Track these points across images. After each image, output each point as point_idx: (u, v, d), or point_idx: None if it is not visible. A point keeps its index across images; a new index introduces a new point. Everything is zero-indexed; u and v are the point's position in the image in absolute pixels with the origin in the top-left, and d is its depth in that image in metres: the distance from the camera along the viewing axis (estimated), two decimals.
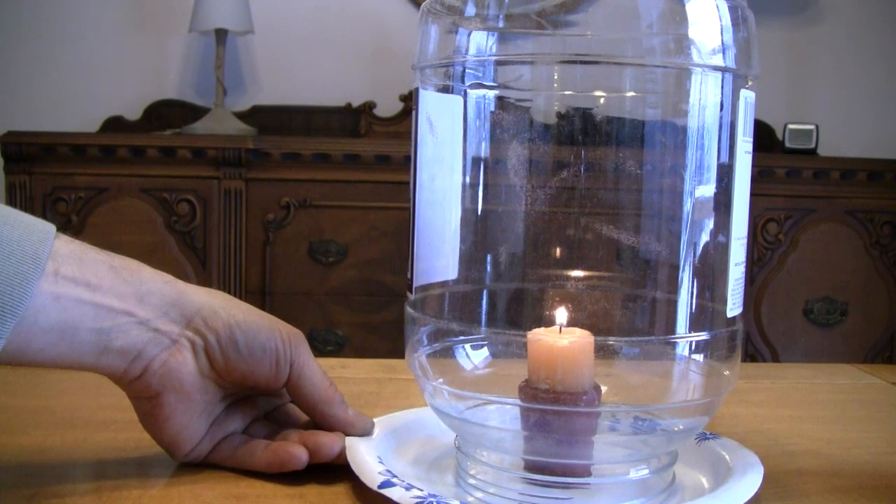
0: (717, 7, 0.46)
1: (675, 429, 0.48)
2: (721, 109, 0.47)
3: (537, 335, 0.46)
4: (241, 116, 2.20)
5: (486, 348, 0.51)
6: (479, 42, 0.48)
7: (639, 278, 0.49)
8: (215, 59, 2.13)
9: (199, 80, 2.30)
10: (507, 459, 0.47)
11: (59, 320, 0.42)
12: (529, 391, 0.45)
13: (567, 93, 0.49)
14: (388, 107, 2.27)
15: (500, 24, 0.47)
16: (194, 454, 0.49)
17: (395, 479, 0.44)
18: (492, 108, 0.51)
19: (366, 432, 0.50)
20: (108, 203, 1.91)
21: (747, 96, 0.47)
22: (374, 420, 0.51)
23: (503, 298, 0.53)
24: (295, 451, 0.47)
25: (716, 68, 0.46)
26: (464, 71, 0.50)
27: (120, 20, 2.28)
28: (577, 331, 0.47)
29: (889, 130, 2.39)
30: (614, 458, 0.47)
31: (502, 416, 0.48)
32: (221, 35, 2.11)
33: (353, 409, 0.51)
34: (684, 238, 0.47)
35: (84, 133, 2.10)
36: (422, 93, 0.49)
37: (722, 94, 0.46)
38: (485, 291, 0.52)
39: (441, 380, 0.50)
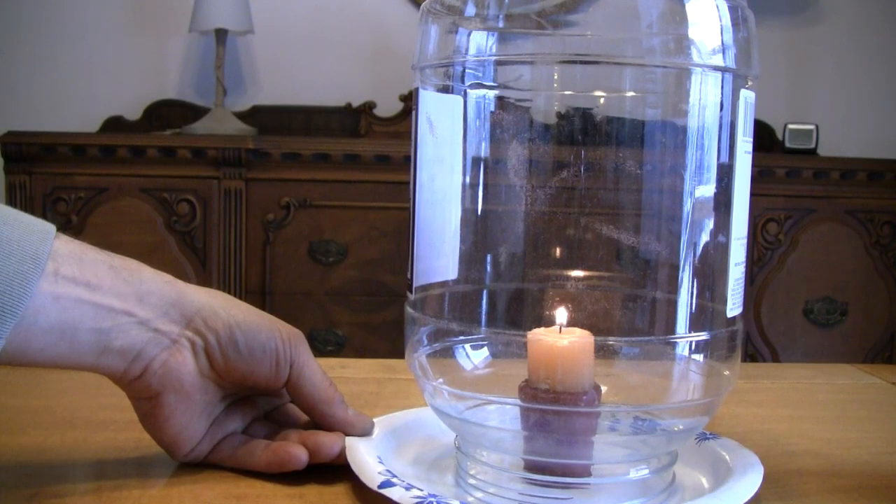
0: (717, 7, 0.46)
1: (675, 429, 0.48)
2: (721, 109, 0.47)
3: (537, 335, 0.46)
4: (241, 116, 2.20)
5: (486, 348, 0.51)
6: (479, 42, 0.48)
7: (639, 278, 0.49)
8: (215, 59, 2.13)
9: (199, 80, 2.30)
10: (507, 459, 0.47)
11: (59, 320, 0.42)
12: (529, 391, 0.45)
13: (567, 93, 0.49)
14: (388, 107, 2.27)
15: (500, 24, 0.47)
16: (194, 454, 0.49)
17: (395, 479, 0.44)
18: (492, 108, 0.51)
19: (366, 432, 0.50)
20: (108, 203, 1.91)
21: (747, 96, 0.47)
22: (374, 420, 0.51)
23: (503, 298, 0.53)
24: (295, 451, 0.47)
25: (716, 68, 0.46)
26: (464, 71, 0.50)
27: (120, 20, 2.28)
28: (577, 331, 0.47)
29: (889, 130, 2.39)
30: (614, 458, 0.47)
31: (502, 416, 0.48)
32: (221, 35, 2.11)
33: (353, 409, 0.51)
34: (684, 238, 0.47)
35: (84, 133, 2.10)
36: (422, 93, 0.49)
37: (722, 94, 0.46)
38: (485, 291, 0.52)
39: (441, 380, 0.50)
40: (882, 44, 2.39)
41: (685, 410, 0.48)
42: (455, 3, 0.49)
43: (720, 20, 0.46)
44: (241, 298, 0.50)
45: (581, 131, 0.49)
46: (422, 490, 0.42)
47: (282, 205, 1.93)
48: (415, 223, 0.48)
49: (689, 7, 0.45)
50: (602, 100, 0.49)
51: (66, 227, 1.86)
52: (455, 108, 0.50)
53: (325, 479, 0.48)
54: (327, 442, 0.48)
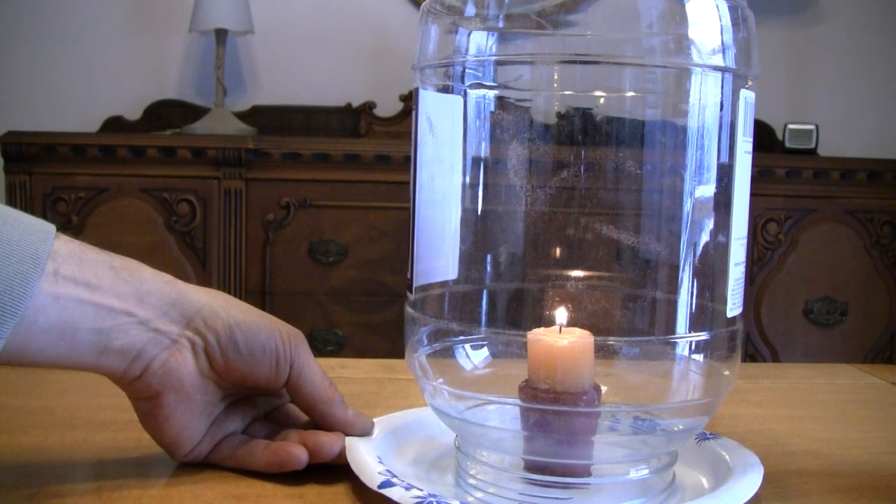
0: (717, 7, 0.46)
1: (675, 429, 0.48)
2: (721, 109, 0.47)
3: (537, 335, 0.46)
4: (241, 116, 2.20)
5: (486, 348, 0.51)
6: (479, 42, 0.48)
7: (639, 278, 0.49)
8: (215, 59, 2.13)
9: (199, 80, 2.30)
10: (507, 459, 0.47)
11: (59, 320, 0.42)
12: (529, 391, 0.45)
13: (567, 93, 0.49)
14: (388, 107, 2.27)
15: (500, 24, 0.47)
16: (194, 454, 0.48)
17: (394, 479, 0.44)
18: (492, 108, 0.51)
19: (366, 432, 0.50)
20: (108, 203, 1.91)
21: (747, 96, 0.47)
22: (374, 420, 0.51)
23: (503, 298, 0.53)
24: (295, 451, 0.47)
25: (716, 68, 0.46)
26: (464, 71, 0.50)
27: (120, 20, 2.28)
28: (577, 331, 0.47)
29: (889, 130, 2.39)
30: (614, 458, 0.47)
31: (502, 416, 0.48)
32: (221, 35, 2.11)
33: (353, 409, 0.51)
34: (684, 238, 0.47)
35: (84, 133, 2.10)
36: (422, 93, 0.49)
37: (722, 94, 0.46)
38: (485, 291, 0.52)
39: (441, 380, 0.50)
40: (882, 44, 2.39)
41: (685, 410, 0.48)
42: (455, 3, 0.49)
43: (720, 20, 0.46)
44: (241, 298, 0.50)
45: (581, 131, 0.49)
46: (422, 490, 0.42)
47: (282, 205, 1.93)
48: (415, 223, 0.48)
49: (689, 7, 0.45)
50: (602, 100, 0.49)
51: (66, 227, 1.86)
52: (455, 108, 0.50)
53: (325, 479, 0.48)
54: (327, 442, 0.48)
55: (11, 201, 1.87)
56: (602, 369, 0.46)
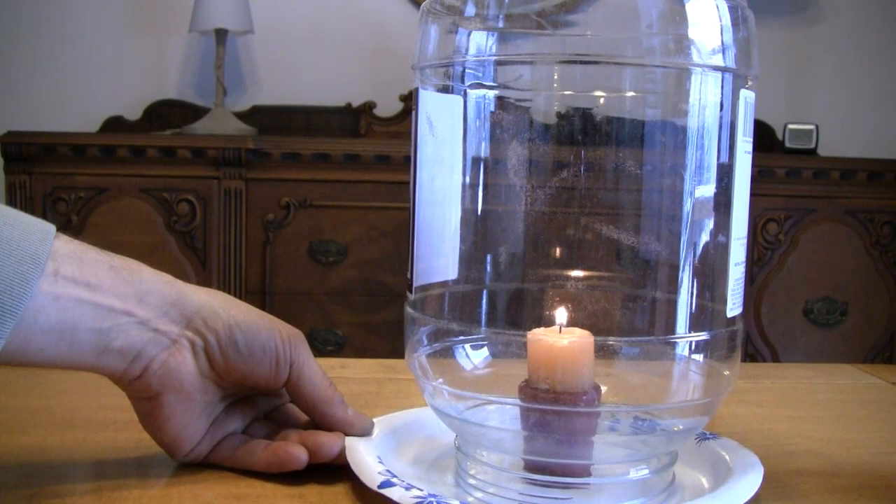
0: (717, 7, 0.46)
1: (675, 429, 0.48)
2: (721, 109, 0.47)
3: (537, 335, 0.46)
4: (241, 116, 2.20)
5: (486, 348, 0.51)
6: (479, 42, 0.48)
7: (639, 278, 0.49)
8: (215, 59, 2.13)
9: (199, 80, 2.30)
10: (507, 459, 0.47)
11: (59, 320, 0.42)
12: (529, 391, 0.45)
13: (567, 93, 0.49)
14: (388, 107, 2.27)
15: (500, 24, 0.47)
16: (194, 454, 0.48)
17: (394, 479, 0.44)
18: (492, 108, 0.51)
19: (365, 432, 0.50)
20: (108, 203, 1.91)
21: (747, 96, 0.47)
22: (374, 420, 0.51)
23: (503, 298, 0.53)
24: (295, 451, 0.47)
25: (716, 68, 0.46)
26: (464, 71, 0.50)
27: (120, 20, 2.28)
28: (577, 331, 0.47)
29: (889, 130, 2.39)
30: (614, 458, 0.47)
31: (502, 416, 0.48)
32: (221, 35, 2.11)
33: (353, 409, 0.51)
34: (684, 238, 0.47)
35: (84, 133, 2.10)
36: (422, 93, 0.49)
37: (722, 94, 0.46)
38: (485, 291, 0.52)
39: (441, 380, 0.50)
40: (882, 44, 2.39)
41: (685, 410, 0.48)
42: (455, 3, 0.49)
43: (720, 20, 0.46)
44: (241, 298, 0.50)
45: (581, 131, 0.49)
46: (422, 490, 0.42)
47: (282, 205, 1.93)
48: (415, 223, 0.48)
49: (689, 7, 0.45)
50: (602, 100, 0.49)
51: (66, 227, 1.86)
52: (455, 108, 0.50)
53: (325, 479, 0.48)
54: (327, 442, 0.48)
55: (11, 201, 1.87)
56: (602, 369, 0.46)
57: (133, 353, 0.45)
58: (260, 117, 2.25)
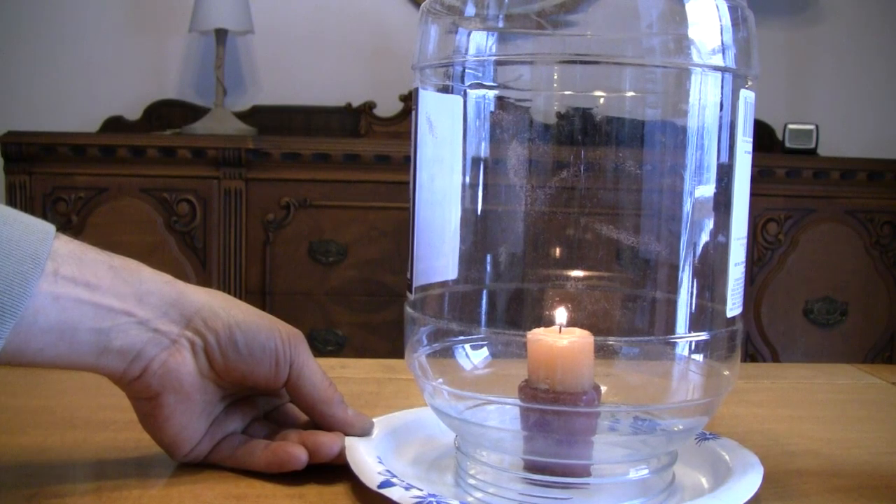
0: (717, 7, 0.46)
1: (675, 429, 0.48)
2: (721, 109, 0.47)
3: (537, 335, 0.46)
4: (241, 116, 2.20)
5: (485, 348, 0.51)
6: (479, 42, 0.48)
7: (639, 278, 0.49)
8: (215, 59, 2.13)
9: (199, 80, 2.30)
10: (506, 459, 0.47)
11: (59, 320, 0.42)
12: (529, 391, 0.45)
13: (567, 93, 0.49)
14: (388, 107, 2.27)
15: (500, 24, 0.47)
16: (194, 454, 0.48)
17: (394, 479, 0.44)
18: (492, 108, 0.51)
19: (365, 432, 0.50)
20: (108, 203, 1.91)
21: (747, 96, 0.47)
22: (374, 420, 0.51)
23: (503, 298, 0.53)
24: (294, 451, 0.47)
25: (716, 68, 0.46)
26: (464, 71, 0.50)
27: (120, 20, 2.28)
28: (577, 331, 0.47)
29: (889, 130, 2.39)
30: (614, 458, 0.47)
31: (502, 416, 0.48)
32: (221, 35, 2.11)
33: (353, 409, 0.51)
34: (684, 238, 0.47)
35: (84, 133, 2.10)
36: (422, 93, 0.49)
37: (722, 94, 0.46)
38: (485, 291, 0.52)
39: (441, 380, 0.50)
40: (882, 44, 2.39)
41: (685, 410, 0.48)
42: (455, 3, 0.49)
43: (720, 20, 0.46)
44: (241, 298, 0.50)
45: (581, 131, 0.49)
46: (421, 490, 0.42)
47: (282, 205, 1.93)
48: (415, 223, 0.48)
49: (688, 7, 0.45)
50: (602, 100, 0.49)
51: (66, 227, 1.86)
52: (455, 108, 0.50)
53: (325, 479, 0.48)
54: (327, 442, 0.48)
55: (11, 201, 1.87)
56: (602, 369, 0.46)
57: (133, 353, 0.45)
58: (260, 117, 2.25)
